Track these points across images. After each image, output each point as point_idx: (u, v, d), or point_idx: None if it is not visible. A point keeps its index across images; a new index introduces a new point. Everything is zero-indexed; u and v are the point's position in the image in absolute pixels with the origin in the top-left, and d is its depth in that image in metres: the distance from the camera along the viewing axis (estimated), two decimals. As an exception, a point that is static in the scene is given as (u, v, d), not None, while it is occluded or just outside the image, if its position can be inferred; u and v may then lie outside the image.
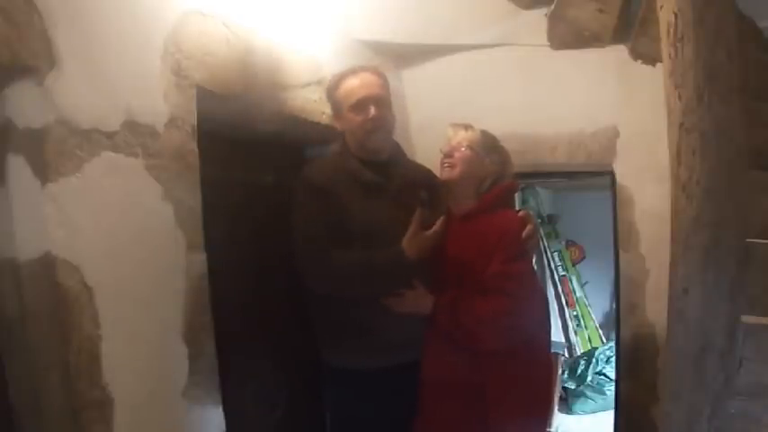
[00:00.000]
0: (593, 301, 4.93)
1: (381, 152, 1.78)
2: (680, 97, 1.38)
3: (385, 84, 1.81)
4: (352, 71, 1.78)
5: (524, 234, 1.74)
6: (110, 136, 1.22)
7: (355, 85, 1.74)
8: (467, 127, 1.83)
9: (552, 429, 3.53)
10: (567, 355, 4.52)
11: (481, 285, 1.69)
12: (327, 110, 1.96)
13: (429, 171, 1.93)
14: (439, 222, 1.69)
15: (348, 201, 1.69)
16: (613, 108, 2.25)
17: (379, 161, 1.78)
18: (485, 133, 1.83)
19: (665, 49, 1.43)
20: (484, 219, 1.76)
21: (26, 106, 1.09)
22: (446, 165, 1.79)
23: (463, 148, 1.78)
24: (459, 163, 1.77)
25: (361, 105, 1.73)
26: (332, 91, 1.80)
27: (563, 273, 4.89)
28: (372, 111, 1.72)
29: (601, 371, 4.30)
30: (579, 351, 4.65)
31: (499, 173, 1.83)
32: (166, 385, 1.37)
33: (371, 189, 1.73)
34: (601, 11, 2.11)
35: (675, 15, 1.37)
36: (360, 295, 1.69)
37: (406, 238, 1.66)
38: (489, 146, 1.83)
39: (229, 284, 1.73)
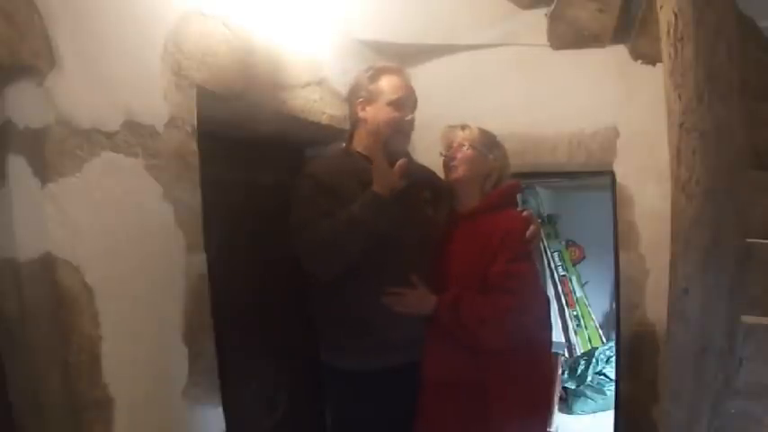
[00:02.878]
0: (593, 301, 4.92)
1: (398, 155, 1.78)
2: (680, 97, 1.38)
3: (415, 91, 1.84)
4: (395, 70, 1.82)
5: (528, 234, 1.75)
6: (110, 136, 1.22)
7: (401, 83, 1.78)
8: (464, 126, 1.84)
9: (552, 429, 3.53)
10: (567, 355, 4.52)
11: (484, 284, 1.69)
12: (328, 110, 1.96)
13: (432, 172, 1.93)
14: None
15: (352, 200, 1.69)
16: (613, 108, 2.25)
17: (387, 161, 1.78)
18: (483, 131, 1.84)
19: (665, 49, 1.43)
20: (487, 218, 1.77)
21: (26, 106, 1.09)
22: (450, 165, 1.80)
23: (465, 148, 1.79)
24: (464, 163, 1.78)
25: (401, 103, 1.76)
26: (369, 80, 1.78)
27: (563, 273, 4.89)
28: (411, 115, 1.78)
29: (601, 371, 4.30)
30: (579, 351, 4.65)
31: (502, 169, 1.84)
32: (166, 385, 1.37)
33: None
34: (601, 11, 2.11)
35: (675, 15, 1.37)
36: (355, 254, 1.64)
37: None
38: (490, 143, 1.83)
39: (229, 284, 1.73)
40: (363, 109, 1.79)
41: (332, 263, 1.66)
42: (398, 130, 1.77)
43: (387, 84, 1.77)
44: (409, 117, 1.78)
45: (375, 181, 1.65)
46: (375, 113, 1.77)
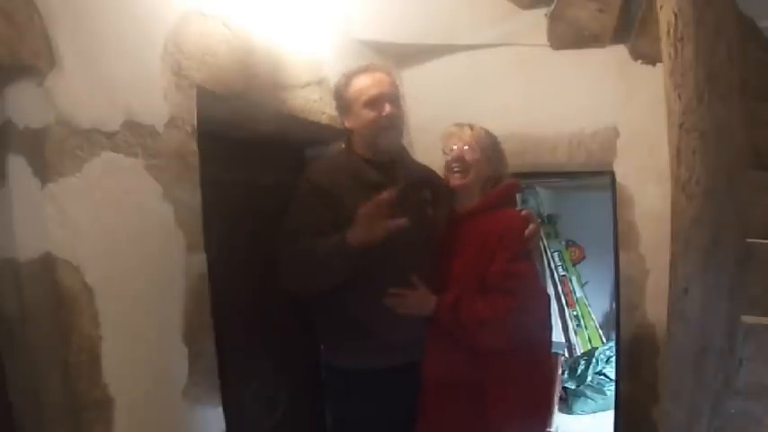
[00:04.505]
0: (593, 301, 4.93)
1: (391, 151, 1.77)
2: (680, 97, 1.38)
3: (395, 82, 1.82)
4: (363, 69, 1.78)
5: (527, 233, 1.75)
6: (110, 136, 1.22)
7: (369, 83, 1.74)
8: (472, 126, 1.82)
9: (552, 429, 3.53)
10: (567, 355, 4.53)
11: (483, 284, 1.69)
12: (328, 110, 1.96)
13: (432, 171, 1.93)
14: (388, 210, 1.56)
15: (351, 202, 1.69)
16: (613, 108, 2.25)
17: (383, 161, 1.77)
18: (487, 132, 1.83)
19: (665, 49, 1.43)
20: (486, 217, 1.76)
21: (26, 106, 1.09)
22: (456, 170, 1.78)
23: (471, 152, 1.77)
24: (471, 168, 1.77)
25: (375, 102, 1.72)
26: (342, 89, 1.78)
27: (563, 273, 4.89)
28: (387, 108, 1.72)
29: (601, 371, 4.30)
30: (579, 351, 4.65)
31: (501, 169, 1.84)
32: (166, 385, 1.37)
33: (375, 189, 1.72)
34: (601, 11, 2.11)
35: (675, 15, 1.37)
36: (312, 287, 1.67)
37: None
38: (493, 144, 1.83)
39: (229, 284, 1.73)
40: (347, 119, 1.79)
41: (299, 286, 1.69)
42: (383, 128, 1.73)
43: (357, 87, 1.74)
44: (386, 111, 1.72)
45: (353, 228, 1.57)
46: (355, 121, 1.76)
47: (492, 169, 1.81)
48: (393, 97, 1.77)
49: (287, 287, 1.72)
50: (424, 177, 1.88)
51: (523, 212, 1.85)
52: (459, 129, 1.82)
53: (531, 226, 1.77)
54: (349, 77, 1.77)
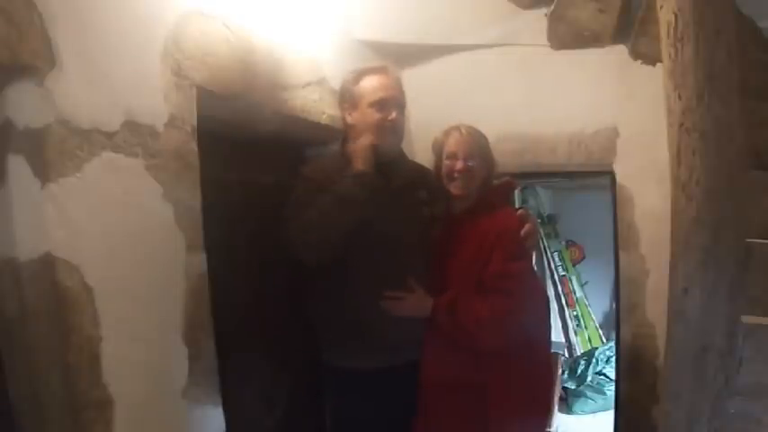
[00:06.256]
0: (593, 301, 4.92)
1: (386, 156, 1.78)
2: (680, 97, 1.38)
3: (403, 89, 1.82)
4: (375, 70, 1.79)
5: (523, 232, 1.75)
6: (110, 136, 1.22)
7: (381, 84, 1.75)
8: (465, 129, 1.81)
9: (552, 429, 3.53)
10: (567, 355, 4.53)
11: (480, 284, 1.69)
12: (328, 110, 1.96)
13: (428, 170, 1.93)
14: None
15: None
16: (613, 108, 2.25)
17: (379, 161, 1.78)
18: (479, 133, 1.82)
19: (665, 49, 1.43)
20: (483, 217, 1.76)
21: (26, 106, 1.09)
22: (456, 177, 1.77)
23: (473, 161, 1.77)
24: (473, 179, 1.77)
25: (383, 104, 1.73)
26: (351, 84, 1.78)
27: (563, 273, 4.89)
28: (394, 114, 1.74)
29: (601, 371, 4.30)
30: (579, 351, 4.65)
31: (493, 168, 1.84)
32: (166, 385, 1.37)
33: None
34: (601, 11, 2.11)
35: (675, 15, 1.37)
36: (341, 237, 1.63)
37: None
38: (486, 146, 1.83)
39: (229, 284, 1.73)
40: (350, 114, 1.79)
41: (318, 246, 1.64)
42: (384, 132, 1.74)
43: (367, 85, 1.75)
44: (392, 117, 1.74)
45: (355, 161, 1.65)
46: (358, 118, 1.76)
47: (486, 169, 1.81)
48: (400, 104, 1.79)
49: (306, 252, 1.67)
50: (420, 177, 1.88)
51: (520, 212, 1.85)
52: (457, 133, 1.80)
53: (528, 225, 1.77)
54: (360, 75, 1.78)
